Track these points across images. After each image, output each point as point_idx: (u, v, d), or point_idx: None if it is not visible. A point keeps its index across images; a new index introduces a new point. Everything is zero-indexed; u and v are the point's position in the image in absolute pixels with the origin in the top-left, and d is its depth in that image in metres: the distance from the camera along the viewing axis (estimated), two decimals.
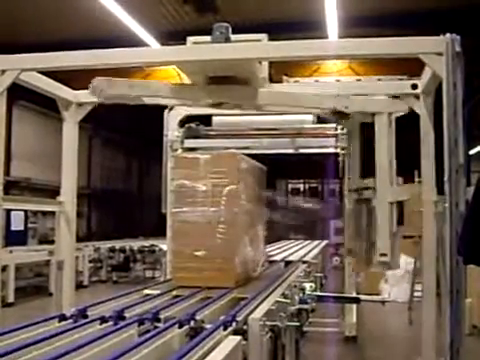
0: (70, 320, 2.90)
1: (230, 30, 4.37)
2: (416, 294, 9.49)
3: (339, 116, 5.01)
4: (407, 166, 6.36)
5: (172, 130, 7.56)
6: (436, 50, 3.90)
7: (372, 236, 5.53)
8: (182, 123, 7.65)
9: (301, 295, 4.18)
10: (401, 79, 6.06)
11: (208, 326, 2.78)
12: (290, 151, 8.21)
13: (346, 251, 8.07)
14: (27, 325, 2.67)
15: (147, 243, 16.47)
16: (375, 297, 9.39)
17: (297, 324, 3.66)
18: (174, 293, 4.03)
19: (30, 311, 10.21)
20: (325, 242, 12.68)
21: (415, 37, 4.06)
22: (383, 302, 8.77)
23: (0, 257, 6.74)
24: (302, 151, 8.25)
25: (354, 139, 6.43)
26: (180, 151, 7.44)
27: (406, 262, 11.99)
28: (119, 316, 2.90)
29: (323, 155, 9.06)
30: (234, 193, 4.36)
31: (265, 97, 4.89)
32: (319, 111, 5.40)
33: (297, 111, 6.25)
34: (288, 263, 6.50)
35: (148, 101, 5.19)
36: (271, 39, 4.42)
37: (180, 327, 2.76)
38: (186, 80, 5.01)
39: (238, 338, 2.63)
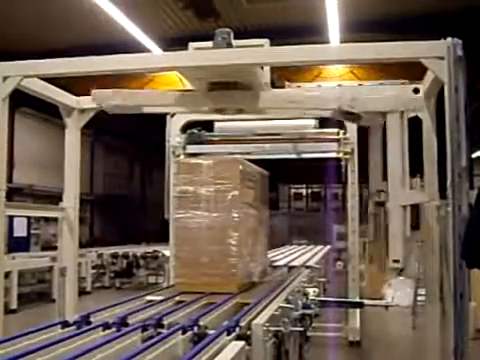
0: (73, 326, 2.89)
1: (232, 35, 4.37)
2: (420, 298, 9.45)
3: (352, 118, 4.86)
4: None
5: (174, 136, 7.57)
6: (438, 54, 3.90)
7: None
8: (184, 129, 7.66)
9: (304, 300, 4.17)
10: (403, 83, 6.05)
11: (211, 332, 2.77)
12: (292, 156, 8.22)
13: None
14: (30, 332, 2.66)
15: (150, 249, 16.44)
16: (378, 302, 9.36)
17: (301, 329, 3.65)
18: (177, 299, 4.02)
19: (33, 318, 10.20)
20: (328, 247, 12.65)
21: (417, 41, 4.06)
22: (386, 307, 8.75)
23: (3, 263, 6.74)
24: (304, 156, 8.25)
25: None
26: (182, 157, 7.45)
27: None
28: (122, 322, 2.89)
29: (326, 160, 9.05)
30: (236, 198, 4.36)
31: (267, 100, 4.87)
32: (329, 113, 5.16)
33: (300, 114, 6.17)
34: (291, 268, 6.49)
35: (151, 110, 5.19)
36: (273, 44, 4.42)
37: (184, 333, 2.75)
38: (188, 86, 5.02)
39: (242, 343, 2.62)
